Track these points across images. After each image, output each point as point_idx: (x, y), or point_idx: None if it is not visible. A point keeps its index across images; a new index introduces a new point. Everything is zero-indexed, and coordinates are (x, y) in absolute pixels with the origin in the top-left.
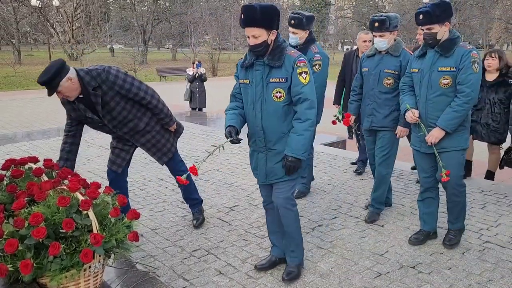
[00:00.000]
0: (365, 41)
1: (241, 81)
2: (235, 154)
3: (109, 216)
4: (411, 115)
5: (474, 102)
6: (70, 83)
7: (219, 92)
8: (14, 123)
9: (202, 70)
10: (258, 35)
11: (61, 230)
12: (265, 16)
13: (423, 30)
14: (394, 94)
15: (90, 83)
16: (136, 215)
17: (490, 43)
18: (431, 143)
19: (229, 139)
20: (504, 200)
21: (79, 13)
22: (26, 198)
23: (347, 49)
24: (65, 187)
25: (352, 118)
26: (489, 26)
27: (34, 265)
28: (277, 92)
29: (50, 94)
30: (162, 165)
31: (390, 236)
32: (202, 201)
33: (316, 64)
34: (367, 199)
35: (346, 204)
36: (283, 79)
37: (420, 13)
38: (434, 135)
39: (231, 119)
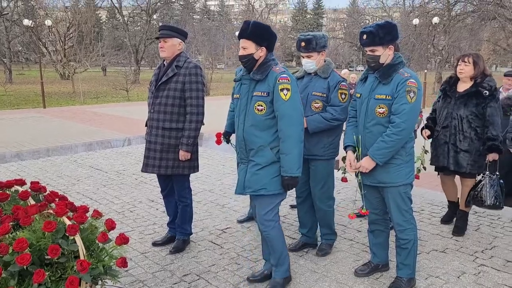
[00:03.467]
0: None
1: (235, 96)
2: (227, 174)
3: (97, 241)
4: (349, 162)
5: (406, 134)
6: (176, 45)
7: (212, 111)
8: (3, 143)
9: None
10: (246, 47)
11: (46, 257)
12: (255, 30)
13: (366, 51)
14: None
15: (179, 60)
16: (125, 240)
17: None
18: (359, 169)
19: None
20: (498, 221)
21: (71, 33)
22: (11, 223)
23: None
24: (51, 211)
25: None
26: (478, 48)
27: None
28: (258, 105)
29: (160, 37)
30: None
31: None
32: (191, 234)
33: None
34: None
35: (340, 226)
36: (265, 93)
37: (363, 33)
38: (364, 165)
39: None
